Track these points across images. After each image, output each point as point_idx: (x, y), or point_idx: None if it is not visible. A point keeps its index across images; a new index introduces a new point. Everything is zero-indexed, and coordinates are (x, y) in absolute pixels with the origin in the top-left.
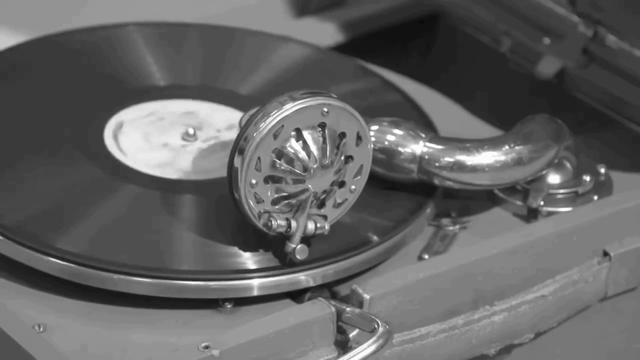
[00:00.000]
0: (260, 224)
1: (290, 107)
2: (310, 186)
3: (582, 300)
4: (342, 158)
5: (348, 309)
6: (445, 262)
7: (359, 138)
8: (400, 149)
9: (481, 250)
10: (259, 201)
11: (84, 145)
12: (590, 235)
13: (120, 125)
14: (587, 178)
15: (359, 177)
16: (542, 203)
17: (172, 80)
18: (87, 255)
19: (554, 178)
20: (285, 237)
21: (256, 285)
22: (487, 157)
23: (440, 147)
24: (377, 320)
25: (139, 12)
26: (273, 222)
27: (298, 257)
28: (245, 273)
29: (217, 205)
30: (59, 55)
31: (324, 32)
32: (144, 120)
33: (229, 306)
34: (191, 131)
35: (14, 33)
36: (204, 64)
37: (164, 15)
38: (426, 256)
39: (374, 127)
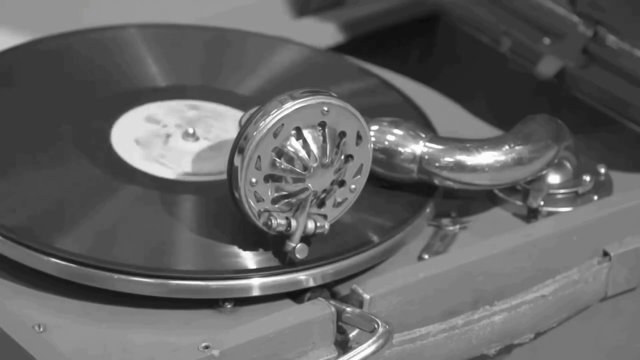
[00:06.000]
0: (260, 223)
1: (290, 106)
2: (310, 185)
3: (582, 300)
4: (342, 157)
5: (348, 309)
6: (445, 262)
7: (359, 137)
8: (400, 149)
9: (481, 250)
10: (259, 200)
11: (84, 146)
12: (590, 235)
13: (120, 125)
14: (587, 178)
15: (359, 177)
16: (542, 203)
17: (172, 81)
18: (87, 255)
19: (554, 178)
20: (285, 236)
21: (256, 285)
22: (487, 157)
23: (440, 147)
24: (377, 320)
25: (139, 14)
26: (273, 221)
27: (298, 256)
28: (245, 273)
29: (217, 205)
30: (59, 57)
31: (323, 33)
32: (144, 120)
33: (229, 306)
34: (191, 131)
35: (14, 33)
36: (204, 65)
37: (164, 16)
38: (426, 256)
39: (374, 127)
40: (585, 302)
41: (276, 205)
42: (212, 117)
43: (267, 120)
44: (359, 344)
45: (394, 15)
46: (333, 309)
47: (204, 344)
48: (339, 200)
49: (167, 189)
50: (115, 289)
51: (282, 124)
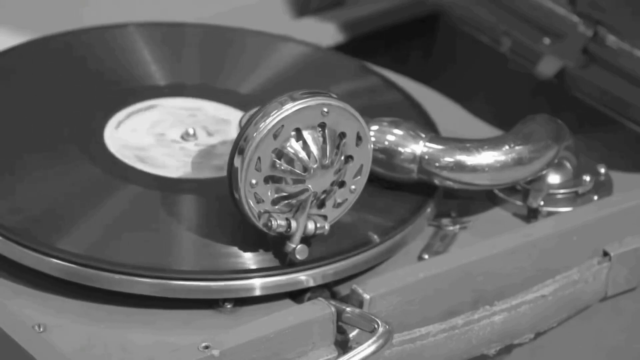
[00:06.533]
0: (260, 224)
1: (290, 107)
2: (310, 186)
3: (582, 300)
4: (342, 158)
5: (348, 309)
6: (445, 262)
7: (359, 138)
8: (400, 149)
9: (481, 250)
10: (259, 201)
11: (84, 145)
12: (590, 235)
13: (120, 125)
14: (587, 178)
15: (359, 177)
16: (542, 203)
17: (172, 80)
18: (87, 255)
19: (554, 178)
20: (285, 237)
21: (256, 285)
22: (487, 157)
23: (440, 147)
24: (377, 320)
25: (139, 13)
26: (273, 222)
27: (298, 257)
28: (245, 273)
29: (217, 205)
30: (59, 56)
31: (324, 32)
32: (144, 120)
33: (229, 306)
34: (191, 131)
35: (14, 33)
36: (204, 64)
37: (164, 16)
38: (426, 256)
39: (374, 127)
40: (585, 302)
41: (276, 207)
42: (213, 117)
43: (267, 121)
44: (359, 344)
45: (394, 15)
46: (333, 309)
47: (204, 344)
48: (339, 201)
49: (167, 189)
50: (115, 289)
51: (282, 125)
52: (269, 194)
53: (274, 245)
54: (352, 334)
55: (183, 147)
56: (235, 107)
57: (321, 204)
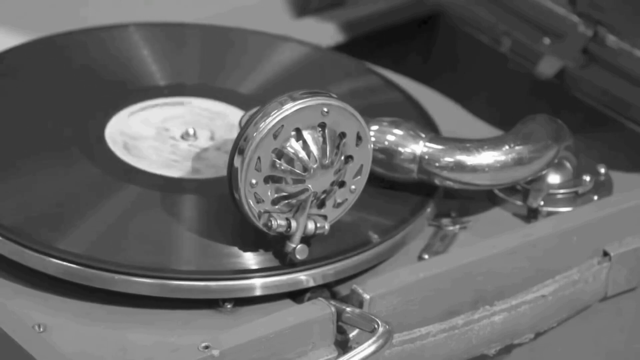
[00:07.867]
0: (260, 224)
1: (290, 107)
2: (310, 186)
3: (582, 300)
4: (342, 158)
5: (348, 309)
6: (445, 262)
7: (359, 138)
8: (400, 149)
9: (481, 250)
10: (259, 201)
11: (84, 146)
12: (590, 235)
13: (120, 125)
14: (587, 178)
15: (359, 177)
16: (542, 203)
17: (172, 80)
18: (87, 256)
19: (554, 178)
20: (285, 237)
21: (256, 285)
22: (487, 157)
23: (440, 147)
24: (377, 320)
25: (139, 13)
26: (273, 222)
27: (298, 257)
28: (245, 273)
29: (218, 205)
30: (59, 56)
31: (324, 32)
32: (144, 120)
33: (229, 306)
34: (191, 131)
35: (14, 33)
36: (204, 64)
37: (164, 16)
38: (426, 256)
39: (374, 127)
40: (585, 302)
41: (276, 206)
42: (212, 117)
43: (267, 121)
44: (359, 344)
45: (394, 15)
46: (333, 309)
47: (204, 344)
48: (339, 201)
49: (167, 189)
50: (115, 289)
51: (282, 125)
52: (269, 193)
53: (274, 245)
54: (352, 334)
55: (183, 147)
56: (235, 107)
57: (321, 204)
